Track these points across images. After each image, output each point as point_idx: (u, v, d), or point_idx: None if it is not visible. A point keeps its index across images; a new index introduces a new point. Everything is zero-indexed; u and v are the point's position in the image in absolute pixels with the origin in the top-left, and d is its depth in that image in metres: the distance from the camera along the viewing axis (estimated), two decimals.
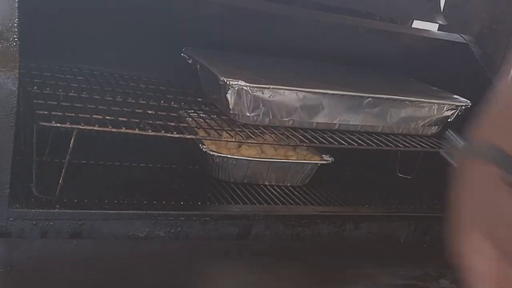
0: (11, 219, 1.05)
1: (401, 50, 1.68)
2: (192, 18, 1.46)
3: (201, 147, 1.33)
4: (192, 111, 1.38)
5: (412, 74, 1.68)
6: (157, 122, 1.21)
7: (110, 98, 1.29)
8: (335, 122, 1.37)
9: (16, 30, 0.96)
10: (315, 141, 1.31)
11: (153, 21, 1.42)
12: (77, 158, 1.26)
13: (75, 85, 1.31)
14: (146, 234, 1.13)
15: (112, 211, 1.12)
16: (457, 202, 0.58)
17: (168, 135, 1.17)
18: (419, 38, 1.65)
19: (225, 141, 1.30)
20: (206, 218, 1.17)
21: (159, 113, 1.28)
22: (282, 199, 1.34)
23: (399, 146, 1.39)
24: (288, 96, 1.30)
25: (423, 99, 1.43)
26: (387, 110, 1.40)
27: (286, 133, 1.32)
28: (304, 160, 1.42)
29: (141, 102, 1.32)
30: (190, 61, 1.44)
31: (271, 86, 1.28)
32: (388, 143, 1.38)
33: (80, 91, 1.28)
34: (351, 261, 1.21)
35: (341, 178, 1.52)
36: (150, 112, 1.27)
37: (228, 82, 1.25)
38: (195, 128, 1.27)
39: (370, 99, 1.37)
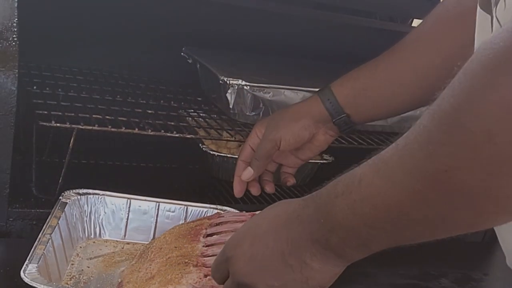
0: (11, 219, 1.05)
1: None
2: (192, 18, 1.46)
3: (201, 147, 1.33)
4: (192, 110, 1.38)
5: None
6: (157, 121, 1.21)
7: (109, 98, 1.29)
8: None
9: (15, 29, 0.95)
10: None
11: (153, 21, 1.42)
12: (77, 157, 1.26)
13: (74, 84, 1.31)
14: None
15: None
16: None
17: (168, 134, 1.17)
18: None
19: (225, 140, 1.30)
20: None
21: (159, 112, 1.28)
22: (282, 198, 1.33)
23: None
24: (288, 95, 1.29)
25: None
26: None
27: None
28: None
29: (141, 101, 1.32)
30: (190, 61, 1.43)
31: (271, 86, 1.28)
32: (389, 142, 1.37)
33: (80, 90, 1.28)
34: None
35: None
36: (149, 111, 1.27)
37: (228, 82, 1.25)
38: (195, 128, 1.27)
39: None
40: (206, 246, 0.90)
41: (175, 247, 0.91)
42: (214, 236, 0.92)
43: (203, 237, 0.92)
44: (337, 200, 0.61)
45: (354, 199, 0.59)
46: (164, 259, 0.89)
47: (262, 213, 0.71)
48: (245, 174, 1.05)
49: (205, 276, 0.82)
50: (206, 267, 0.84)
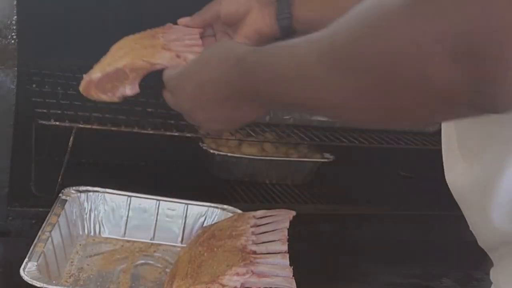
0: (10, 218, 1.05)
1: None
2: None
3: (201, 145, 1.32)
4: None
5: None
6: (157, 120, 1.20)
7: None
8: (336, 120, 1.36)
9: (14, 27, 0.95)
10: (316, 139, 1.31)
11: (154, 19, 1.41)
12: (76, 156, 1.25)
13: (74, 83, 1.30)
14: None
15: None
16: None
17: (168, 133, 1.17)
18: None
19: (225, 139, 1.30)
20: None
21: (159, 111, 1.27)
22: (283, 197, 1.33)
23: (401, 144, 1.38)
24: None
25: None
26: None
27: (287, 131, 1.31)
28: (305, 158, 1.41)
29: (141, 100, 1.31)
30: None
31: None
32: (390, 141, 1.37)
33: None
34: (353, 260, 1.20)
35: (342, 177, 1.52)
36: (149, 110, 1.26)
37: None
38: (195, 126, 1.26)
39: None
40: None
41: None
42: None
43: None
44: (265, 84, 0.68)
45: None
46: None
47: (205, 57, 0.81)
48: (181, 20, 1.07)
49: None
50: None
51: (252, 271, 0.84)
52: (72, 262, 0.96)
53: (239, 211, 1.07)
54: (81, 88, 0.94)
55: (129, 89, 0.91)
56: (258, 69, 0.69)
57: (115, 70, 0.91)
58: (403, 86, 0.50)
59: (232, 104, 0.76)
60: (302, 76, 0.61)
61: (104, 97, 0.92)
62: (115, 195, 1.07)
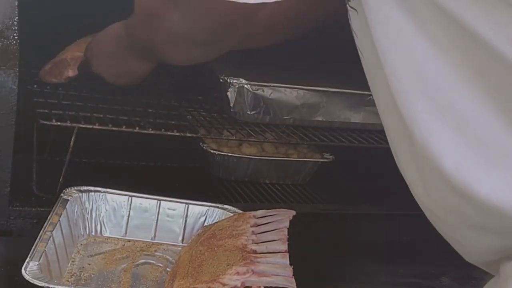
0: (11, 217, 1.05)
1: None
2: None
3: (202, 146, 1.33)
4: (193, 109, 1.37)
5: None
6: (157, 120, 1.21)
7: (110, 97, 1.29)
8: (335, 120, 1.36)
9: (16, 28, 0.96)
10: (316, 139, 1.31)
11: None
12: (77, 156, 1.26)
13: (75, 83, 1.30)
14: None
15: None
16: None
17: (169, 133, 1.17)
18: None
19: (226, 139, 1.30)
20: None
21: (160, 111, 1.27)
22: (283, 197, 1.34)
23: None
24: (288, 94, 1.29)
25: None
26: None
27: (286, 131, 1.32)
28: (305, 158, 1.41)
29: (142, 100, 1.32)
30: None
31: (272, 84, 1.28)
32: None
33: (81, 89, 1.28)
34: (352, 259, 1.20)
35: (342, 177, 1.52)
36: (150, 110, 1.27)
37: (228, 80, 1.25)
38: (196, 126, 1.27)
39: (371, 97, 1.37)
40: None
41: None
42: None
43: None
44: None
45: None
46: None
47: (108, 26, 1.12)
48: None
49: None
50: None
51: (252, 270, 0.84)
52: (73, 261, 0.96)
53: (240, 211, 1.08)
54: (39, 75, 1.23)
55: (71, 72, 1.19)
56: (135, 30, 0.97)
57: (60, 60, 1.20)
58: None
59: (122, 59, 1.04)
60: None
61: (54, 80, 1.21)
62: (116, 195, 1.07)
